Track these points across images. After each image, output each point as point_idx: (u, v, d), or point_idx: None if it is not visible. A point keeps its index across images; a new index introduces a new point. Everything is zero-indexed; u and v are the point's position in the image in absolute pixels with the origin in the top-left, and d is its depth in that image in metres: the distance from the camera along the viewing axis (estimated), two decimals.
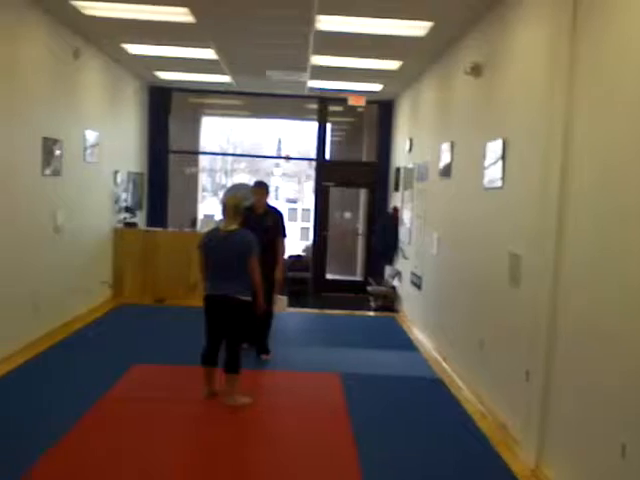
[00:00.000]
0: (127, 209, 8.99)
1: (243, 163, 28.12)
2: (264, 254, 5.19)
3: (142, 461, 3.81)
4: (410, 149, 8.74)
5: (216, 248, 4.77)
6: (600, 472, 3.21)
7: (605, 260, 3.23)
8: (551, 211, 3.81)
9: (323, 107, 10.67)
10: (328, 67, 7.84)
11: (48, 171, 6.31)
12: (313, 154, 11.13)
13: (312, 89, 9.60)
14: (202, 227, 9.17)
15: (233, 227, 4.79)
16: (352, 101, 9.55)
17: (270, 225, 5.94)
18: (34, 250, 6.11)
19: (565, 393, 3.64)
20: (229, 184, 16.28)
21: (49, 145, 6.32)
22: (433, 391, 5.50)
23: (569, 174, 3.68)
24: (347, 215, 12.33)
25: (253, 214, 5.80)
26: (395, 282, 9.48)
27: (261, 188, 5.84)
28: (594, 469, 3.27)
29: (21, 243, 5.82)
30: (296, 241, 17.00)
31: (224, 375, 4.83)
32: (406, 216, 8.87)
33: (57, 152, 6.51)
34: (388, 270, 10.07)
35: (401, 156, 9.52)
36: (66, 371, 5.46)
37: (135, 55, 7.80)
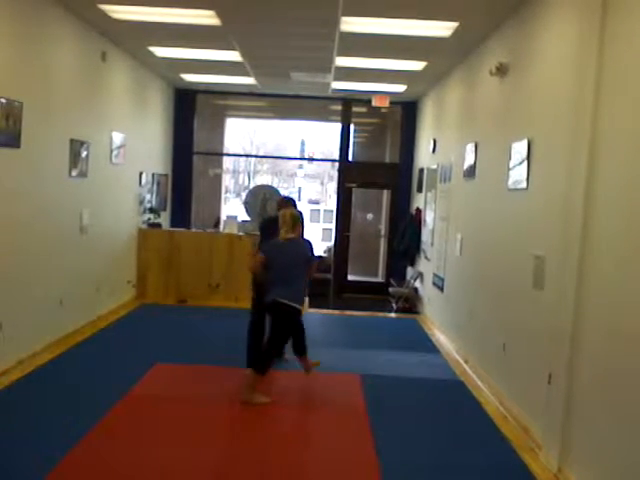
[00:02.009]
0: (151, 210, 9.09)
1: (266, 164, 28.25)
2: None
3: (163, 460, 3.85)
4: (434, 150, 8.71)
5: (278, 254, 5.01)
6: (625, 476, 3.17)
7: (630, 262, 3.19)
8: (576, 213, 3.77)
9: (347, 108, 10.68)
10: (352, 68, 7.85)
11: (75, 172, 6.41)
12: (336, 155, 11.15)
13: (336, 90, 9.62)
14: (225, 228, 9.25)
15: (291, 235, 5.02)
16: (376, 102, 9.55)
17: None
18: (60, 250, 6.22)
19: (588, 396, 3.60)
20: (252, 185, 16.38)
21: (76, 147, 6.42)
22: (454, 393, 5.47)
23: (595, 175, 3.65)
24: (369, 216, 12.33)
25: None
26: (417, 284, 9.45)
27: (288, 204, 5.92)
28: (618, 473, 3.23)
29: (48, 243, 5.93)
30: (318, 242, 17.03)
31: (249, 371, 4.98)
32: (429, 217, 8.84)
33: (84, 154, 6.62)
34: (410, 271, 10.04)
35: (425, 157, 9.49)
36: (90, 369, 5.54)
37: (161, 58, 7.90)
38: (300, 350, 5.49)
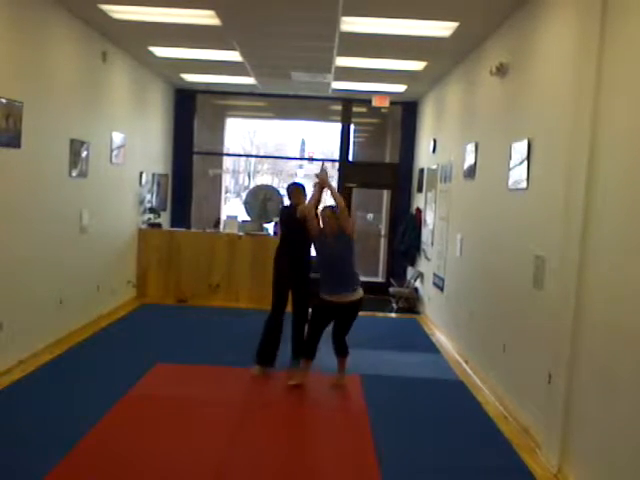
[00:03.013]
0: (151, 210, 9.09)
1: (266, 164, 28.24)
2: (304, 254, 5.58)
3: (163, 460, 3.85)
4: (434, 150, 8.71)
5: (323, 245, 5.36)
6: (625, 475, 3.17)
7: (630, 261, 3.19)
8: (576, 212, 3.77)
9: (347, 108, 10.68)
10: (352, 68, 7.85)
11: (75, 172, 6.41)
12: (336, 155, 11.15)
13: (336, 90, 9.62)
14: (225, 228, 9.25)
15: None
16: (376, 102, 9.54)
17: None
18: (60, 250, 6.22)
19: (588, 396, 3.60)
20: (252, 185, 16.40)
21: (76, 147, 6.42)
22: (454, 393, 5.47)
23: (595, 175, 3.65)
24: (369, 216, 12.32)
25: (294, 215, 5.64)
26: (417, 283, 9.45)
27: (298, 189, 5.96)
28: (618, 473, 3.23)
29: (48, 243, 5.93)
30: None
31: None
32: (429, 217, 8.84)
33: (84, 154, 6.62)
34: (410, 271, 10.04)
35: (425, 157, 9.49)
36: (90, 369, 5.54)
37: (162, 58, 7.90)
38: (344, 350, 5.50)
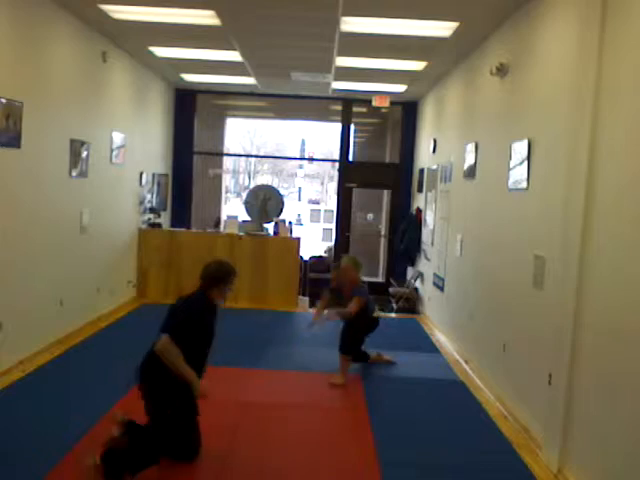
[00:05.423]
0: (152, 210, 9.09)
1: (266, 164, 28.28)
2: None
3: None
4: (434, 150, 8.71)
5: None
6: (625, 476, 3.17)
7: (631, 262, 3.19)
8: (577, 212, 3.77)
9: (347, 108, 10.68)
10: (352, 68, 7.85)
11: (75, 173, 6.41)
12: (336, 155, 11.15)
13: (336, 90, 9.62)
14: (225, 228, 9.25)
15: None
16: (376, 102, 9.55)
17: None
18: (60, 250, 6.22)
19: (588, 396, 3.60)
20: (252, 185, 16.43)
21: (76, 147, 6.42)
22: (454, 393, 5.47)
23: (595, 175, 3.65)
24: (370, 216, 12.33)
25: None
26: (417, 283, 9.45)
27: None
28: (618, 473, 3.23)
29: (48, 243, 5.93)
30: (318, 242, 17.07)
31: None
32: (429, 217, 8.84)
33: (84, 154, 6.62)
34: (410, 271, 10.05)
35: (425, 157, 9.49)
36: (90, 369, 5.53)
37: (162, 58, 7.90)
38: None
